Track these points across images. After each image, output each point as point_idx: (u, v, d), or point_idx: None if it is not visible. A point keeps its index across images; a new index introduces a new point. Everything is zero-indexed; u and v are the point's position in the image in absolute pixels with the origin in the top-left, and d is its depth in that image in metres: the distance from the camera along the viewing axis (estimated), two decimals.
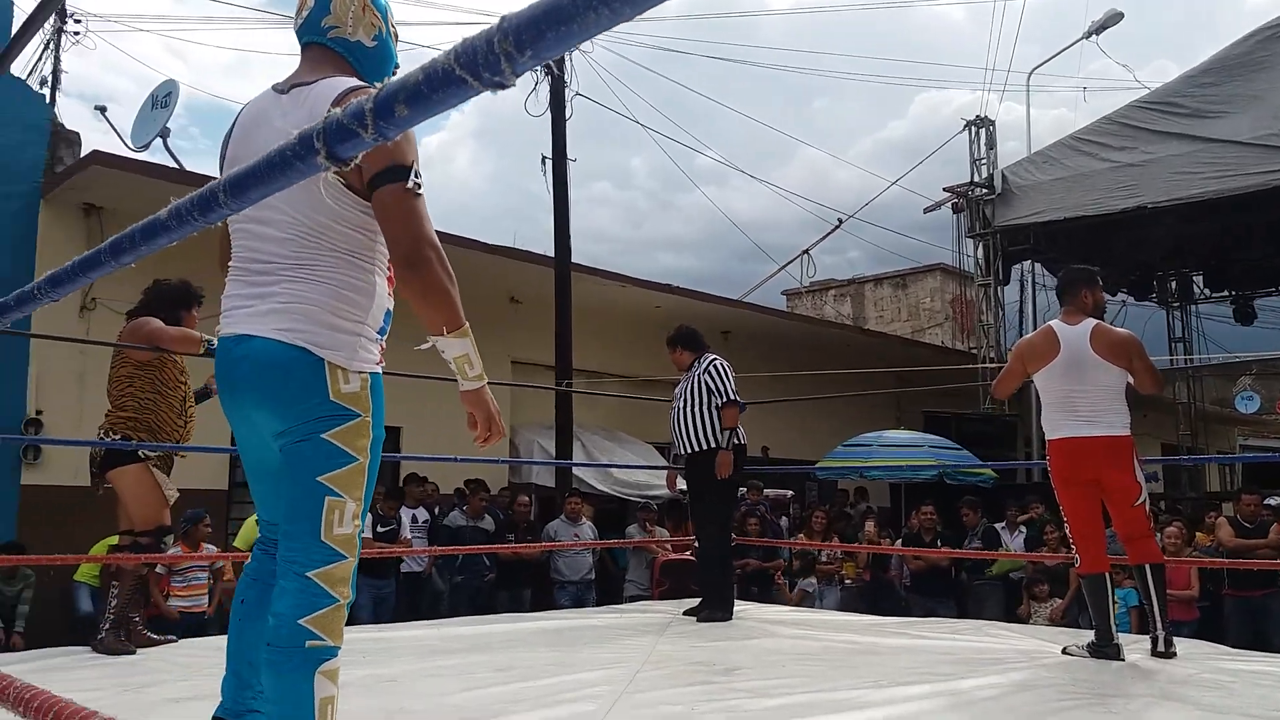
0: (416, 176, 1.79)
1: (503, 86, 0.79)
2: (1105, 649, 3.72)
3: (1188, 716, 2.74)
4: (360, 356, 1.85)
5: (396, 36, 2.08)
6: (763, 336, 13.22)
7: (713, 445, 4.93)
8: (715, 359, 5.12)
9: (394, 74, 2.06)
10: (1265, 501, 7.36)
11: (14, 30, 8.36)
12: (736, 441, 4.96)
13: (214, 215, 1.05)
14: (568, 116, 10.25)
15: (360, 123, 0.88)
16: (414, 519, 7.63)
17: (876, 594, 8.03)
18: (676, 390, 5.23)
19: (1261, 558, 6.56)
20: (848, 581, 8.15)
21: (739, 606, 5.22)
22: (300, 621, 1.72)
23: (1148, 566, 3.79)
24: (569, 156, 10.20)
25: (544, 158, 10.30)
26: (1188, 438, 16.90)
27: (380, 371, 1.93)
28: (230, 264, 1.95)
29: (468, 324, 1.84)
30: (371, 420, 1.85)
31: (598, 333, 10.96)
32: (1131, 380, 3.87)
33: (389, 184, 1.75)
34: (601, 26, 0.72)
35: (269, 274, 1.86)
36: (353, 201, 1.83)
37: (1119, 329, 4.09)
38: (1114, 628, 3.77)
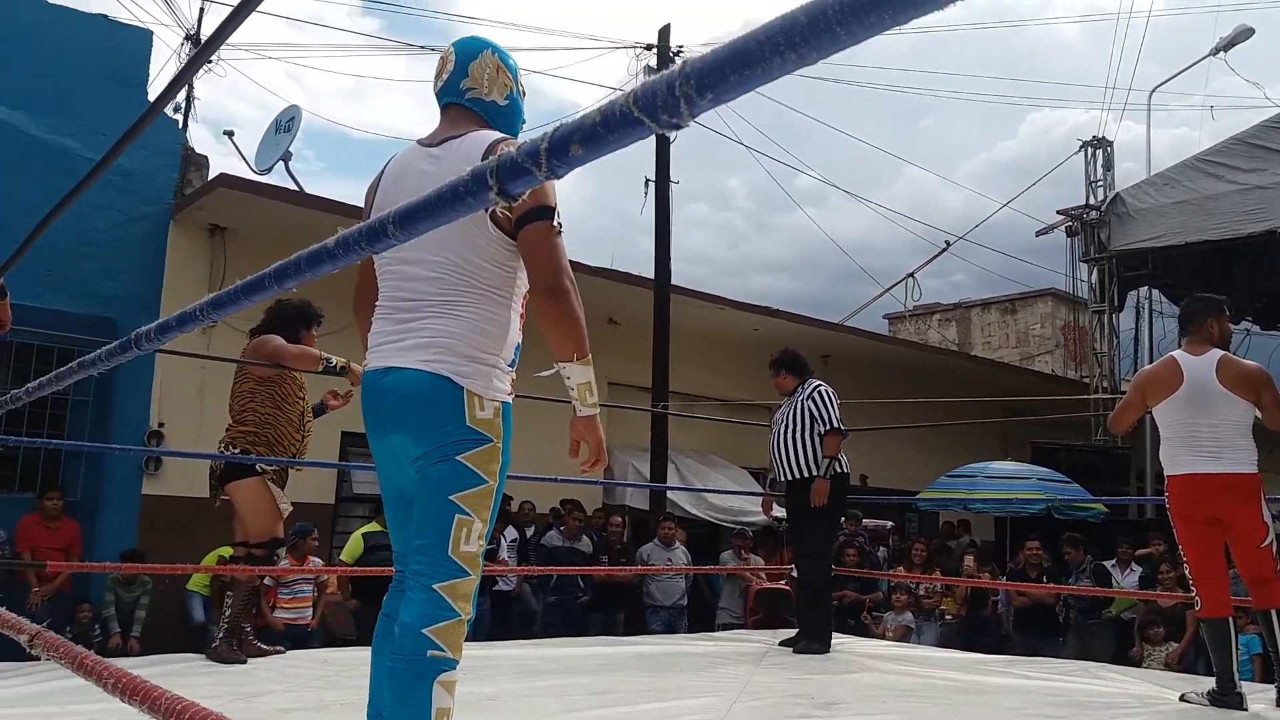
0: (558, 218, 1.98)
1: (678, 128, 0.81)
2: (1227, 697, 3.52)
3: None
4: (494, 386, 2.00)
5: (524, 94, 2.27)
6: (864, 361, 12.99)
7: (813, 473, 4.86)
8: (820, 385, 5.06)
9: (522, 127, 2.26)
10: None
11: (151, 57, 8.82)
12: (837, 470, 4.88)
13: (380, 245, 1.09)
14: (672, 140, 10.32)
15: (534, 161, 0.91)
16: (504, 537, 7.76)
17: (975, 631, 7.76)
18: (776, 415, 5.18)
19: None
20: (948, 617, 7.91)
21: (837, 639, 5.11)
22: (424, 631, 1.82)
23: (1274, 612, 3.59)
24: (672, 179, 10.27)
25: (647, 180, 10.40)
26: None
27: (510, 401, 2.07)
28: (378, 303, 2.12)
29: (591, 355, 2.01)
30: (502, 446, 2.00)
31: (694, 355, 10.95)
32: (1260, 415, 3.67)
33: (535, 222, 1.95)
34: (786, 69, 0.72)
35: (416, 311, 2.02)
36: (499, 239, 1.99)
37: (1247, 361, 3.89)
38: (1237, 675, 3.56)
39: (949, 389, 11.73)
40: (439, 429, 1.94)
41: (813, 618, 4.87)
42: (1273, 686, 3.65)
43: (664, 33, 10.50)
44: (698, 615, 8.24)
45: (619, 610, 7.89)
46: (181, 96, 11.90)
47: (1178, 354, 3.81)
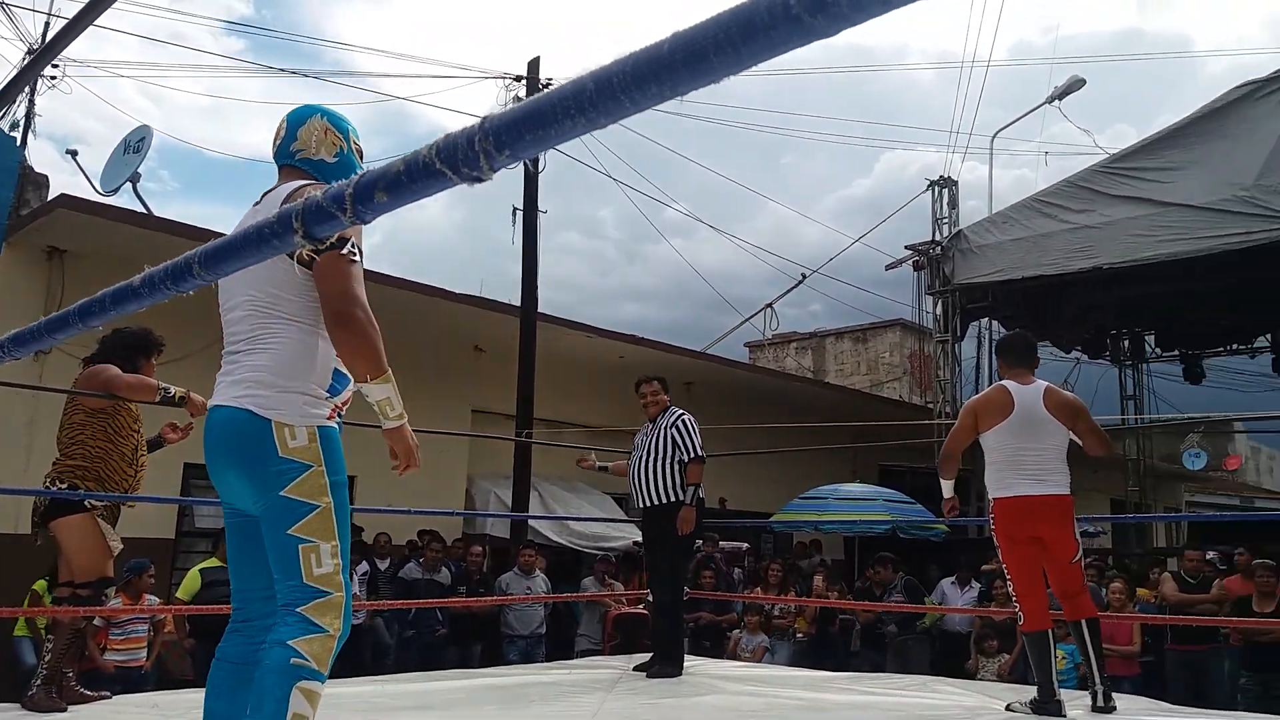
0: (353, 248, 2.06)
1: (479, 180, 0.85)
2: (1048, 705, 3.76)
3: None
4: (307, 412, 2.08)
5: (360, 152, 2.41)
6: (725, 388, 13.29)
7: (674, 499, 4.94)
8: (683, 414, 5.15)
9: None
10: (1207, 556, 7.50)
11: None
12: (699, 497, 5.00)
13: (186, 285, 1.09)
14: (540, 169, 10.37)
15: (340, 206, 0.93)
16: (355, 570, 7.57)
17: (825, 648, 8.04)
18: (637, 440, 5.23)
19: (1203, 613, 6.67)
20: (799, 636, 8.15)
21: (691, 662, 5.20)
22: (289, 642, 1.92)
23: (1084, 622, 3.88)
24: (540, 208, 10.30)
25: (515, 209, 10.40)
26: (1136, 493, 17.15)
27: (333, 425, 2.16)
28: None
29: (389, 370, 2.08)
30: (326, 469, 2.07)
31: (560, 382, 10.97)
32: (1079, 441, 3.98)
33: (328, 251, 2.02)
34: (577, 132, 0.77)
35: (236, 351, 2.15)
36: (299, 271, 2.08)
37: (1067, 392, 4.21)
38: (1056, 684, 3.81)
39: (804, 414, 12.13)
40: (257, 464, 2.03)
41: (667, 641, 4.94)
42: (1088, 693, 3.92)
43: (533, 64, 10.55)
44: (557, 643, 8.22)
45: (476, 642, 7.79)
46: (21, 112, 11.23)
47: (1008, 384, 4.04)
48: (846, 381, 18.87)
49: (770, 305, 15.73)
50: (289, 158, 2.31)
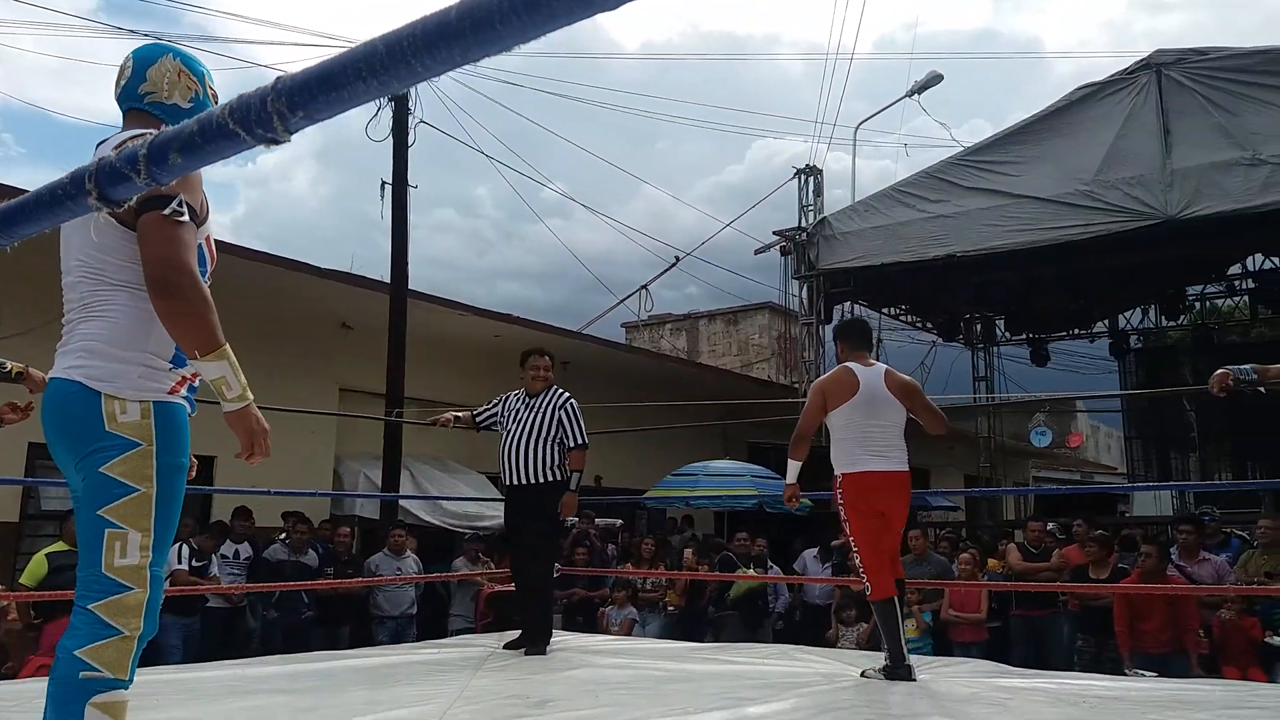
0: (179, 206, 1.87)
1: (275, 142, 0.83)
2: (899, 670, 3.95)
3: None
4: (142, 385, 1.90)
5: (216, 98, 2.18)
6: (601, 368, 13.36)
7: (551, 479, 4.94)
8: (570, 397, 5.11)
9: None
10: (1048, 528, 8.02)
11: None
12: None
13: None
14: (410, 143, 10.15)
15: (133, 167, 0.90)
16: (236, 554, 7.33)
17: (693, 620, 8.26)
18: (511, 411, 5.08)
19: (1044, 581, 7.13)
20: (670, 609, 8.32)
21: (560, 637, 5.25)
22: (77, 653, 1.74)
23: (901, 582, 4.20)
24: (410, 183, 10.09)
25: (384, 183, 10.15)
26: (987, 469, 18.17)
27: (175, 400, 1.96)
28: None
29: (226, 346, 1.89)
30: (157, 448, 1.88)
31: (433, 361, 10.82)
32: (918, 419, 4.22)
33: (149, 211, 1.85)
34: (370, 95, 0.77)
35: (70, 319, 1.98)
36: (123, 234, 1.91)
37: (903, 374, 4.44)
38: (905, 649, 4.02)
39: (678, 394, 12.33)
40: (81, 439, 1.86)
41: (539, 618, 4.97)
42: (938, 659, 4.16)
43: None
44: (429, 623, 8.15)
45: (344, 624, 7.65)
46: None
47: (852, 365, 4.24)
48: (718, 362, 19.24)
49: (645, 287, 15.90)
50: (136, 100, 2.09)
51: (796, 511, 11.21)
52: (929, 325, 16.42)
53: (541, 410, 5.01)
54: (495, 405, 5.23)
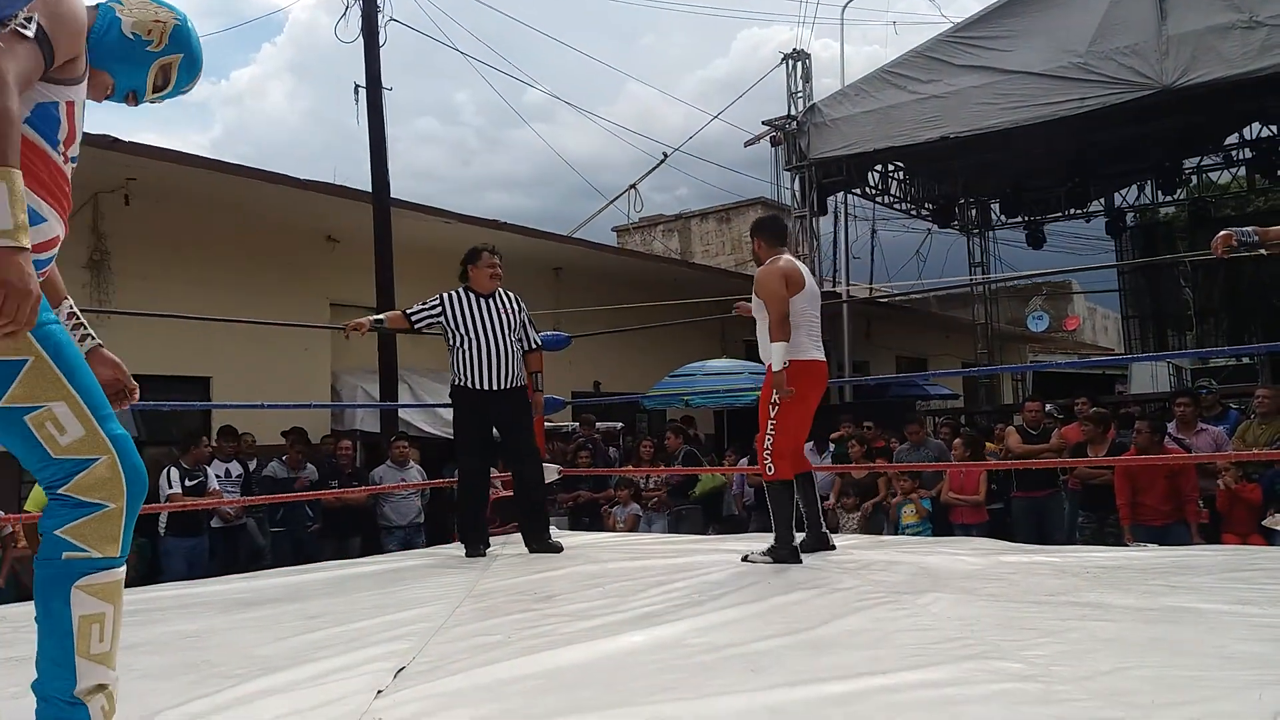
0: (27, 21, 1.59)
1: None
2: (783, 551, 4.07)
3: (973, 604, 2.98)
4: None
5: None
6: (593, 272, 13.24)
7: (523, 381, 4.90)
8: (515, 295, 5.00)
9: None
10: (1046, 409, 8.03)
11: None
12: None
13: None
14: (382, 43, 9.84)
15: None
16: (227, 473, 7.32)
17: (712, 513, 8.49)
18: (474, 315, 4.79)
19: (1045, 460, 7.17)
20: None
21: (566, 536, 5.29)
22: (57, 532, 1.61)
23: (811, 474, 4.43)
24: (385, 86, 9.81)
25: (357, 86, 9.87)
26: (985, 356, 18.19)
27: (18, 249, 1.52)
28: None
29: (14, 171, 1.50)
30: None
31: (423, 272, 10.66)
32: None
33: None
34: None
35: None
36: None
37: None
38: (793, 532, 4.16)
39: (673, 295, 12.24)
40: None
41: (542, 515, 4.99)
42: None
43: None
44: (437, 531, 8.23)
45: (353, 536, 7.73)
46: None
47: (791, 258, 4.30)
48: (713, 261, 19.10)
49: (634, 186, 15.65)
50: None
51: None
52: (923, 212, 16.23)
53: (502, 311, 4.84)
54: (434, 305, 4.88)
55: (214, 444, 7.49)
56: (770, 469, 4.15)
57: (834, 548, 4.34)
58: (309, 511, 7.57)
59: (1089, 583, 3.37)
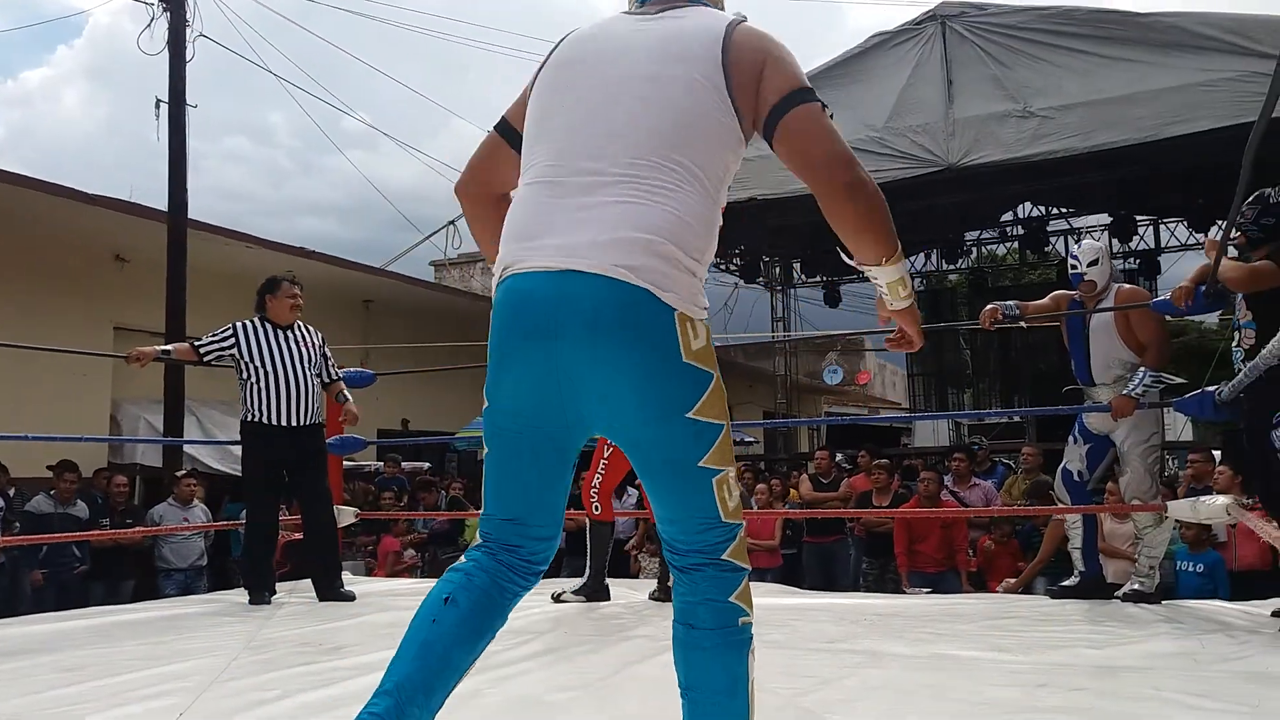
0: None
1: None
2: (599, 590, 4.31)
3: (757, 651, 3.09)
4: None
5: None
6: (406, 307, 12.96)
7: (322, 419, 4.78)
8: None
9: None
10: (836, 458, 8.49)
11: None
12: None
13: None
14: (189, 58, 9.38)
15: None
16: None
17: None
18: (272, 348, 4.59)
19: (833, 508, 7.57)
20: None
21: (361, 583, 5.11)
22: (731, 599, 1.59)
23: None
24: (190, 103, 9.34)
25: (159, 101, 9.35)
26: (784, 405, 19.06)
27: None
28: None
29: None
30: None
31: (219, 298, 10.13)
32: None
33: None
34: None
35: None
36: None
37: None
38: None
39: (488, 332, 12.15)
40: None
41: (333, 561, 4.80)
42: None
43: None
44: (221, 575, 7.75)
45: (126, 578, 7.16)
46: None
47: None
48: None
49: (453, 223, 15.48)
50: None
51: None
52: (731, 267, 16.89)
53: (301, 344, 4.69)
54: (227, 336, 4.63)
55: None
56: (596, 509, 4.29)
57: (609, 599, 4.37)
58: (76, 552, 6.96)
59: (865, 630, 3.59)
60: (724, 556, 1.60)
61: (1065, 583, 4.45)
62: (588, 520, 4.40)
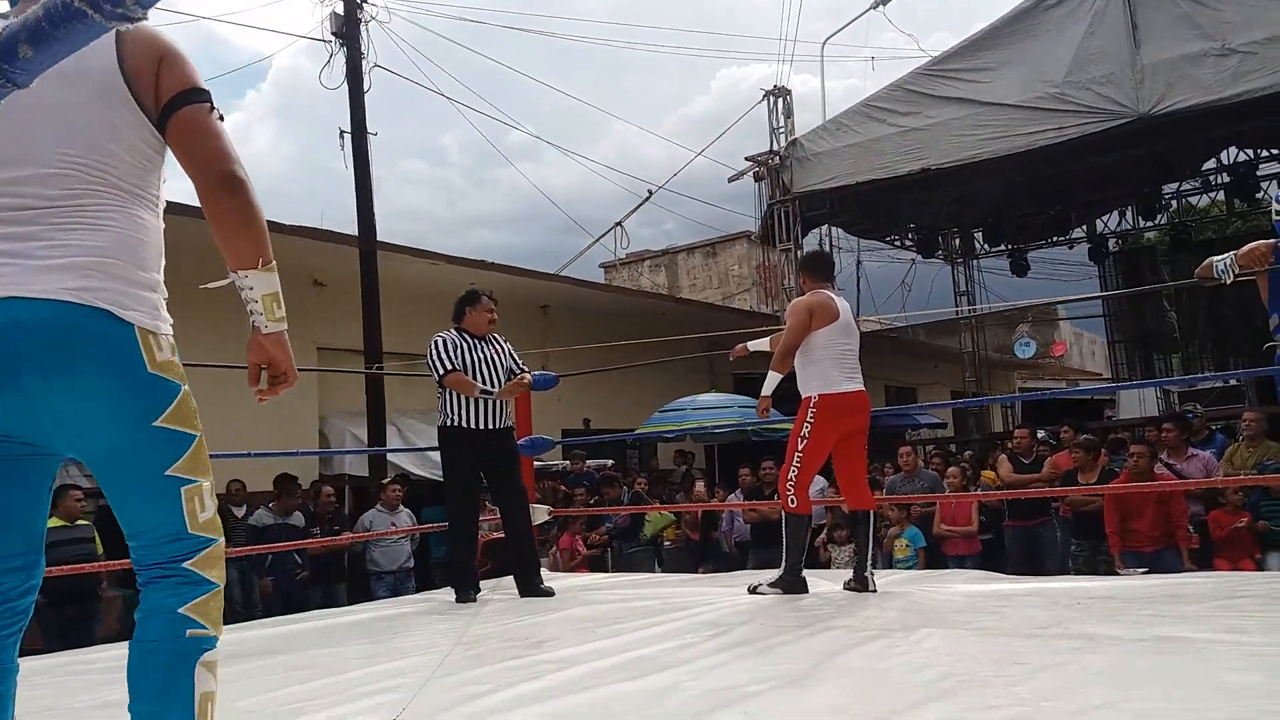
0: None
1: (129, 19, 0.75)
2: (795, 581, 4.24)
3: (964, 640, 2.96)
4: None
5: None
6: (581, 309, 13.27)
7: (513, 423, 4.95)
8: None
9: None
10: (1037, 435, 8.04)
11: None
12: None
13: None
14: (366, 89, 9.94)
15: None
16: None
17: (704, 552, 8.36)
18: (477, 357, 4.80)
19: (1037, 489, 7.16)
20: (667, 544, 8.37)
21: (559, 578, 5.25)
22: (181, 610, 1.59)
23: (872, 513, 4.39)
24: (370, 130, 9.89)
25: (342, 132, 9.96)
26: (973, 384, 18.23)
27: None
28: None
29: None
30: None
31: (410, 314, 10.69)
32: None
33: None
34: None
35: None
36: None
37: None
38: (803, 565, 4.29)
39: (660, 330, 12.27)
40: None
41: (532, 559, 4.95)
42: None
43: None
44: (427, 576, 8.16)
45: (340, 582, 7.66)
46: None
47: (829, 292, 4.40)
48: (699, 296, 19.16)
49: (620, 224, 15.69)
50: None
51: (783, 438, 11.32)
52: (907, 243, 16.33)
53: (499, 354, 4.89)
54: (453, 352, 4.83)
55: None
56: (793, 501, 4.22)
57: (807, 591, 4.29)
58: (297, 559, 7.50)
59: (1079, 614, 3.36)
60: (186, 566, 1.60)
61: None
62: (783, 513, 4.34)
